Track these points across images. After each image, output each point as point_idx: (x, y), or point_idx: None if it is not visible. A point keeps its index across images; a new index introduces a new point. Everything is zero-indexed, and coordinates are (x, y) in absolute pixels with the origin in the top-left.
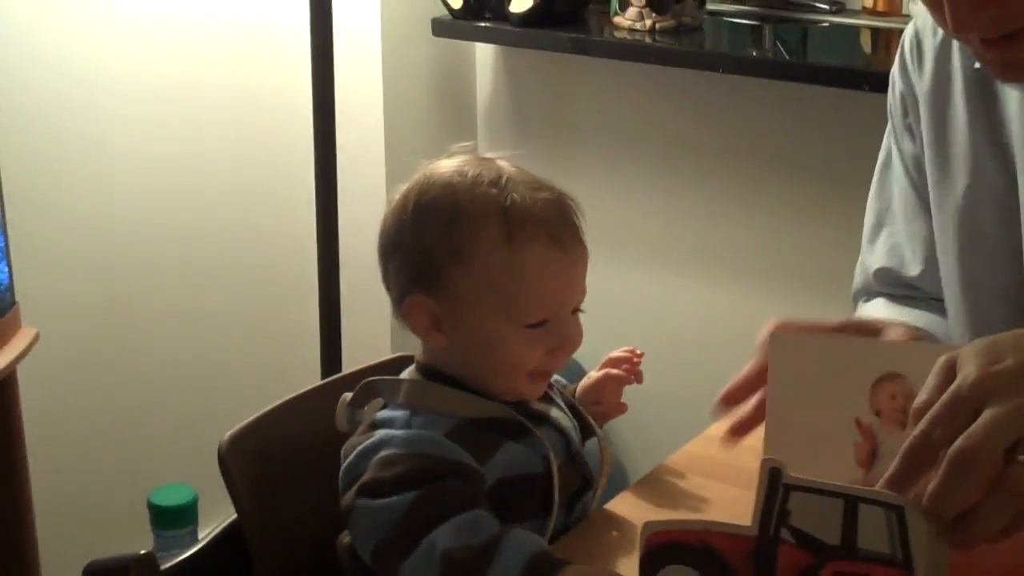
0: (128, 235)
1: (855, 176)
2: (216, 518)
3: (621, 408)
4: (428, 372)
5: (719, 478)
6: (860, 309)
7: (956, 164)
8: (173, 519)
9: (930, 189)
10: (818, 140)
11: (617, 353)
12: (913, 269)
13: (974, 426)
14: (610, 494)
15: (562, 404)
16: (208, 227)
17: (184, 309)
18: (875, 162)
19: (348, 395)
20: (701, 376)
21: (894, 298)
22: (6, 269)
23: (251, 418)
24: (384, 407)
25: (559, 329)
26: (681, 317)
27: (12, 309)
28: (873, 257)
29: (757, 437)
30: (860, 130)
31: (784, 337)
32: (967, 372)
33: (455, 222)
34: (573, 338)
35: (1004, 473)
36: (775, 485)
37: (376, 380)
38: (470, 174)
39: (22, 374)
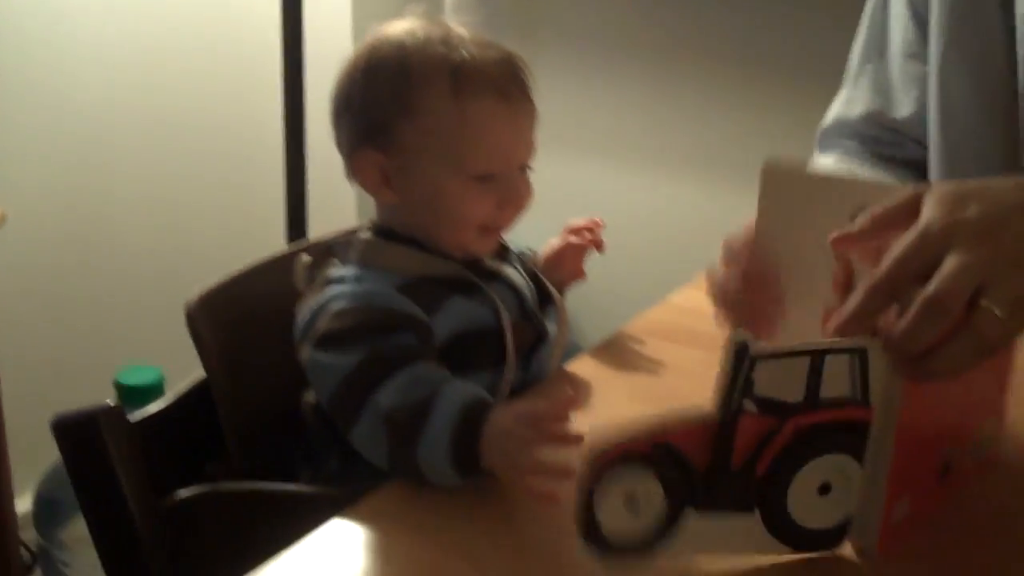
0: (93, 112)
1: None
2: None
3: (579, 274)
4: (382, 232)
5: (678, 342)
6: (815, 158)
7: (933, 28)
8: (140, 398)
9: None
10: (777, 35)
11: (578, 221)
12: (904, 109)
13: (946, 272)
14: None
15: (518, 267)
16: (171, 100)
17: (149, 186)
18: (834, 58)
19: (306, 256)
20: (659, 254)
21: (850, 153)
22: None
23: (219, 280)
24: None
25: (507, 183)
26: (640, 205)
27: None
28: (858, 94)
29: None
30: (817, 24)
31: (775, 168)
32: (933, 216)
33: (404, 77)
34: (521, 193)
35: (969, 317)
36: (742, 358)
37: (332, 240)
38: (420, 34)
39: None
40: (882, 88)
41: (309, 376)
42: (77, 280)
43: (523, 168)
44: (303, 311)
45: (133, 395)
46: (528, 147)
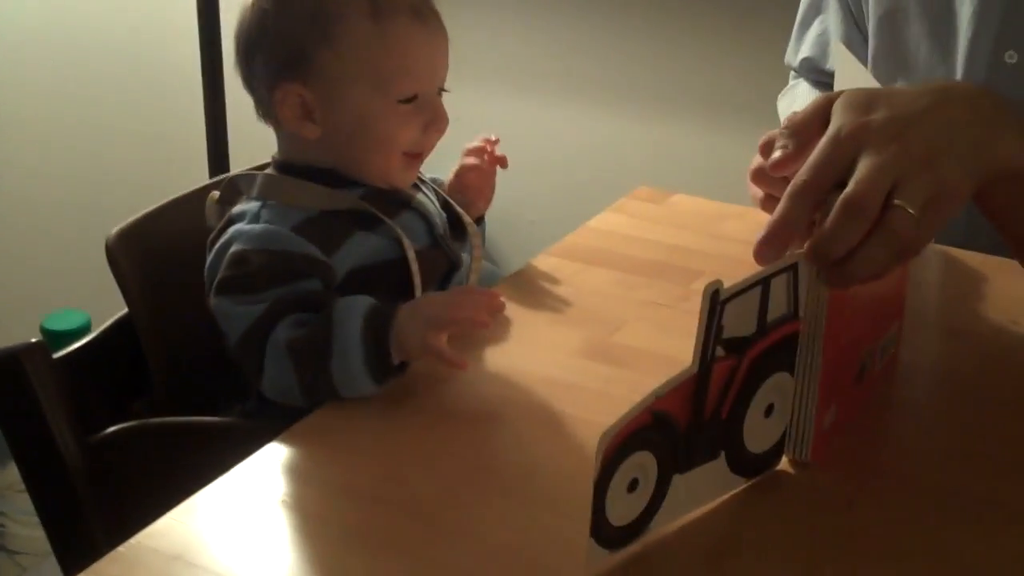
0: (9, 50)
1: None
2: None
3: (484, 194)
4: (284, 167)
5: (596, 263)
6: (791, 86)
7: None
8: (67, 344)
9: None
10: None
11: (473, 144)
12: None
13: (860, 174)
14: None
15: (430, 194)
16: (90, 35)
17: (70, 131)
18: None
19: (216, 192)
20: (579, 181)
21: (819, 84)
22: None
23: (138, 215)
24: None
25: (429, 105)
26: (560, 134)
27: None
28: (802, 46)
29: (629, 227)
30: None
31: (843, 51)
32: (843, 121)
33: (320, 3)
34: (443, 115)
35: (884, 216)
36: (715, 306)
37: (237, 175)
38: None
39: None
40: (823, 39)
41: (218, 321)
42: None
43: (439, 92)
44: (209, 251)
45: (60, 340)
46: (445, 69)
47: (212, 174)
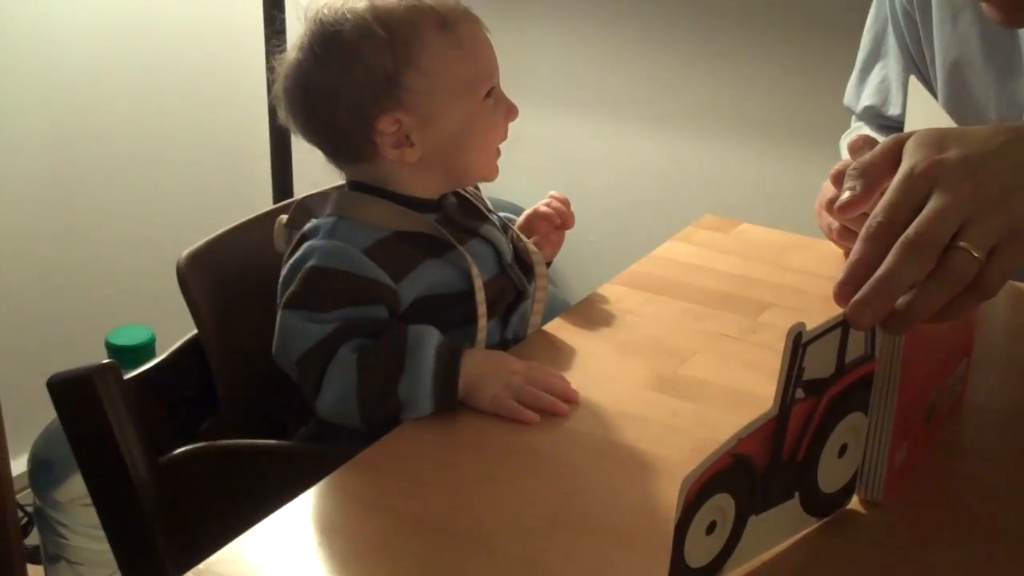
0: (79, 70)
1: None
2: None
3: (551, 243)
4: (359, 187)
5: (662, 293)
6: (847, 136)
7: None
8: (131, 359)
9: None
10: None
11: (551, 199)
12: (895, 108)
13: (924, 214)
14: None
15: (497, 223)
16: (159, 62)
17: (137, 147)
18: (832, 11)
19: (284, 216)
20: (645, 210)
21: (882, 129)
22: None
23: (207, 238)
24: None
25: (502, 97)
26: (627, 162)
27: None
28: (863, 93)
29: (696, 257)
30: None
31: (917, 87)
32: (916, 159)
33: (389, 31)
34: (512, 103)
35: (945, 258)
36: (797, 349)
37: (308, 196)
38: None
39: None
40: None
41: (279, 334)
42: (65, 243)
43: None
44: (283, 268)
45: (124, 355)
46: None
47: (276, 198)
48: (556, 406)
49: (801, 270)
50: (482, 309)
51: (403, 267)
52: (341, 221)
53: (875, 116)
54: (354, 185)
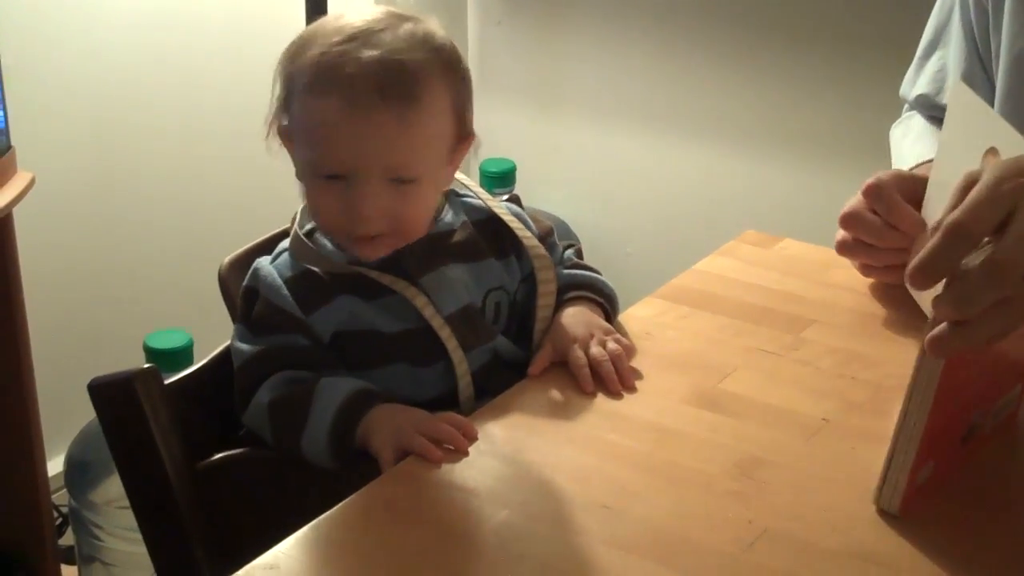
0: (122, 77)
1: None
2: None
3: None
4: None
5: (705, 308)
6: (906, 116)
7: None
8: (169, 362)
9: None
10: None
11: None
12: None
13: (1012, 239)
14: None
15: (465, 269)
16: (200, 65)
17: (176, 155)
18: (876, 27)
19: (297, 213)
20: (684, 229)
21: (934, 120)
22: (2, 114)
23: (249, 244)
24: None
25: (352, 189)
26: (669, 176)
27: (8, 153)
28: (920, 80)
29: (737, 272)
30: None
31: (965, 90)
32: (1004, 172)
33: (286, 64)
34: (363, 202)
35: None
36: None
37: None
38: (332, 26)
39: (18, 219)
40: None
41: None
42: (105, 245)
43: (395, 179)
44: None
45: (162, 359)
46: (386, 155)
47: None
48: (455, 439)
49: (844, 287)
50: (451, 344)
51: (316, 300)
52: (286, 252)
53: (928, 105)
54: None
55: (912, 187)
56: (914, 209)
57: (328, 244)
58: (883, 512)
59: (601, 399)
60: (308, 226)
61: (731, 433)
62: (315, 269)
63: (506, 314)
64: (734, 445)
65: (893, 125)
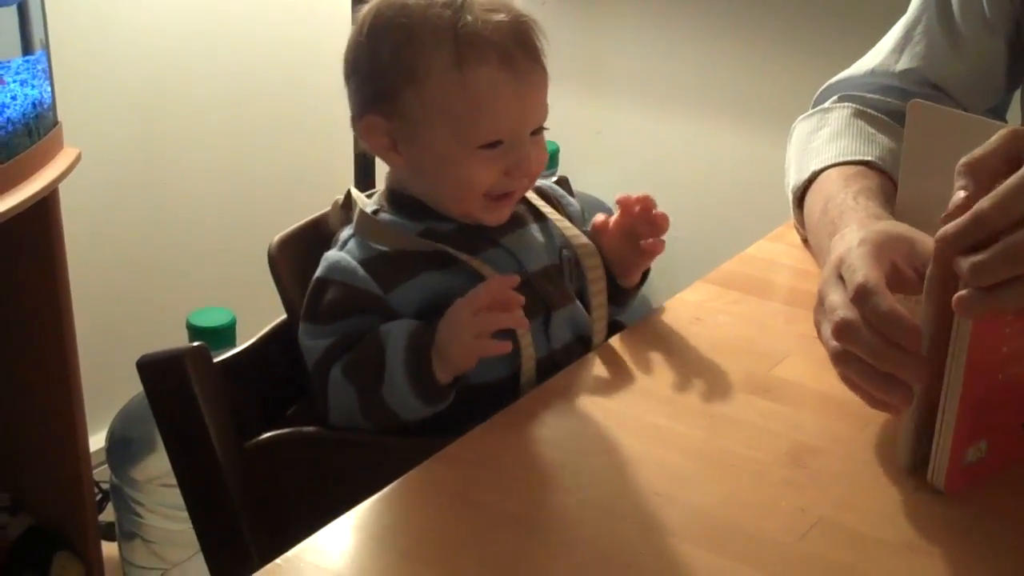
0: (168, 54)
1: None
2: None
3: (625, 265)
4: (391, 191)
5: (755, 294)
6: (825, 110)
7: None
8: (213, 340)
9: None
10: None
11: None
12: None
13: None
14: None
15: (540, 227)
16: (245, 46)
17: (221, 132)
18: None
19: (339, 198)
20: (735, 208)
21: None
22: (49, 89)
23: (297, 224)
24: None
25: (515, 151)
26: (718, 157)
27: (55, 129)
28: (903, 59)
29: (788, 257)
30: None
31: (923, 106)
32: None
33: (407, 43)
34: (530, 160)
35: None
36: None
37: (354, 191)
38: (417, 2)
39: (64, 194)
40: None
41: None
42: (150, 222)
43: (537, 131)
44: None
45: (205, 337)
46: (538, 112)
47: (358, 183)
48: (515, 321)
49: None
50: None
51: (396, 278)
52: (354, 238)
53: (919, 81)
54: (388, 190)
55: (909, 248)
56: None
57: (397, 221)
58: (936, 495)
59: (648, 384)
60: (371, 207)
61: (784, 421)
62: (386, 250)
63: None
64: (787, 433)
65: (799, 118)
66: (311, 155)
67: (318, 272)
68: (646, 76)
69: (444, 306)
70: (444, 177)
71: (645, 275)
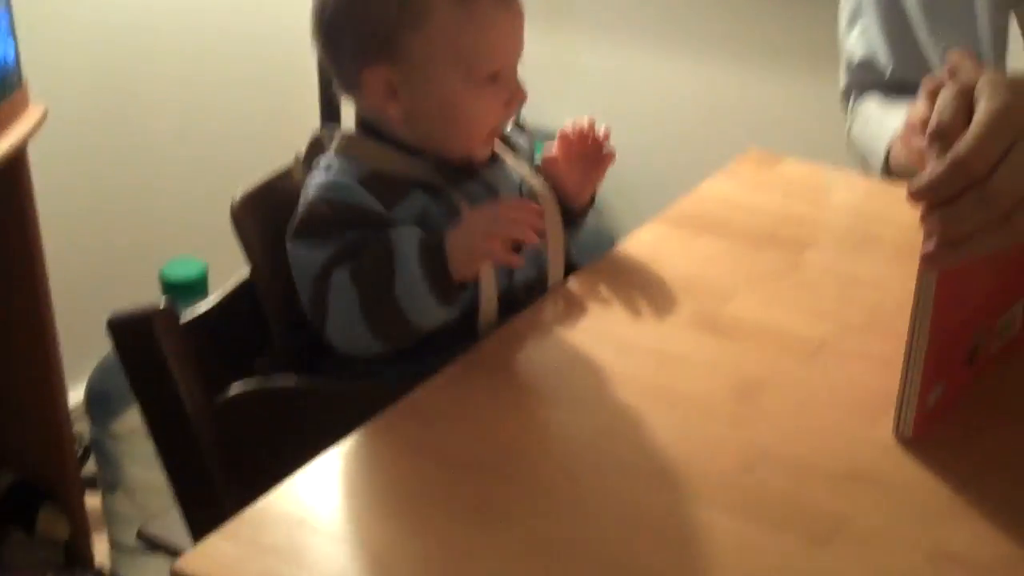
0: (134, 8)
1: None
2: None
3: (571, 187)
4: (366, 128)
5: (709, 232)
6: (855, 111)
7: None
8: (185, 291)
9: None
10: None
11: (568, 126)
12: (887, 66)
13: (1008, 169)
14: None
15: (509, 166)
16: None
17: (188, 83)
18: None
19: (301, 151)
20: (688, 146)
21: (888, 97)
22: (13, 46)
23: (260, 180)
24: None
25: (511, 81)
26: (671, 91)
27: (20, 87)
28: (854, 46)
29: (737, 194)
30: None
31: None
32: (1007, 101)
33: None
34: (521, 90)
35: (1013, 215)
36: None
37: (319, 132)
38: None
39: (32, 151)
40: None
41: (292, 269)
42: (120, 176)
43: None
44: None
45: (178, 289)
46: (522, 43)
47: (323, 124)
48: (527, 235)
49: (844, 209)
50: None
51: (394, 196)
52: (339, 158)
53: (871, 69)
54: (363, 124)
55: None
56: None
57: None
58: (899, 435)
59: (600, 323)
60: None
61: (733, 357)
62: (379, 168)
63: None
64: (736, 370)
65: (848, 128)
66: (277, 105)
67: (312, 195)
68: (606, 10)
69: (435, 229)
70: (453, 116)
71: (592, 197)
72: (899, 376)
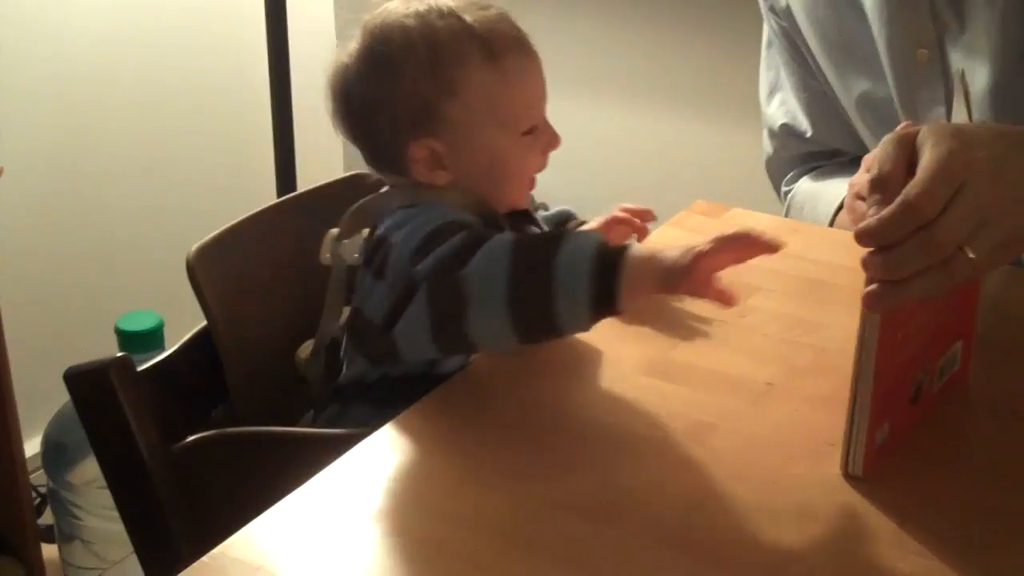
0: (88, 66)
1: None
2: None
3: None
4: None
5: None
6: (787, 201)
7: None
8: (141, 343)
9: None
10: None
11: (630, 207)
12: (807, 131)
13: (953, 214)
14: None
15: (541, 226)
16: (164, 58)
17: (144, 139)
18: None
19: (334, 231)
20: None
21: (818, 171)
22: None
23: (215, 232)
24: (375, 229)
25: (545, 130)
26: (615, 142)
27: None
28: (774, 114)
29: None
30: None
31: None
32: (952, 147)
33: (434, 59)
34: (556, 136)
35: (950, 258)
36: None
37: (364, 203)
38: (416, 12)
39: None
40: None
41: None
42: (76, 230)
43: None
44: (364, 278)
45: (134, 341)
46: (546, 88)
47: (280, 191)
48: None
49: (793, 255)
50: None
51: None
52: (416, 207)
53: (793, 135)
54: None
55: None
56: None
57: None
58: (848, 474)
59: (552, 371)
60: None
61: (682, 401)
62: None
63: None
64: (684, 412)
65: (786, 211)
66: (232, 160)
67: (424, 229)
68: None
69: None
70: (500, 173)
71: None
72: (845, 416)
